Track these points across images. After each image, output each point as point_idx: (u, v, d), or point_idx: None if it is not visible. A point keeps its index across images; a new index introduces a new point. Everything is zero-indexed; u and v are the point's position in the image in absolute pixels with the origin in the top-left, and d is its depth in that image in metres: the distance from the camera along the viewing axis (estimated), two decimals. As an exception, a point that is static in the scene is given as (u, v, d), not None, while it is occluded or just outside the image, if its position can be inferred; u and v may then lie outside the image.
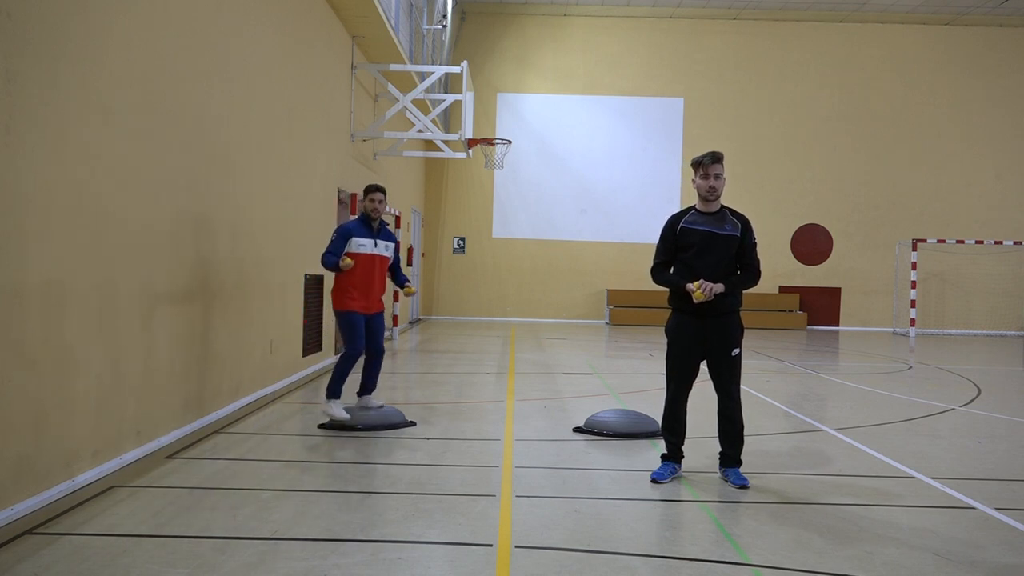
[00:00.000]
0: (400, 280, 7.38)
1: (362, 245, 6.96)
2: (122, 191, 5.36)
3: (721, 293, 5.27)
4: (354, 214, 12.12)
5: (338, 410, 6.85)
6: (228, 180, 7.36)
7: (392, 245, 7.23)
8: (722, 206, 5.50)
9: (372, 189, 7.05)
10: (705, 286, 5.21)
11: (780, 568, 3.89)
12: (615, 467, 5.81)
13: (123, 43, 5.34)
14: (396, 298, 15.84)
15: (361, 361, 7.22)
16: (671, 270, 5.54)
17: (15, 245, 4.26)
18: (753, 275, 5.47)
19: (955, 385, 10.98)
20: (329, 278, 10.85)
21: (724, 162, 5.43)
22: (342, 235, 6.96)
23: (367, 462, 5.90)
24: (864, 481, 5.62)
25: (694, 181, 5.48)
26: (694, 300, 5.27)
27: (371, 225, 7.06)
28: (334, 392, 6.92)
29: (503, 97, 22.92)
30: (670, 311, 5.61)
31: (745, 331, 5.61)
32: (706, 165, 5.39)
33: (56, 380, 4.66)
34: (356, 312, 6.97)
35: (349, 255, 6.89)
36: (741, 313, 5.56)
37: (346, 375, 6.97)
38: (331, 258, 6.86)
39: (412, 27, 16.51)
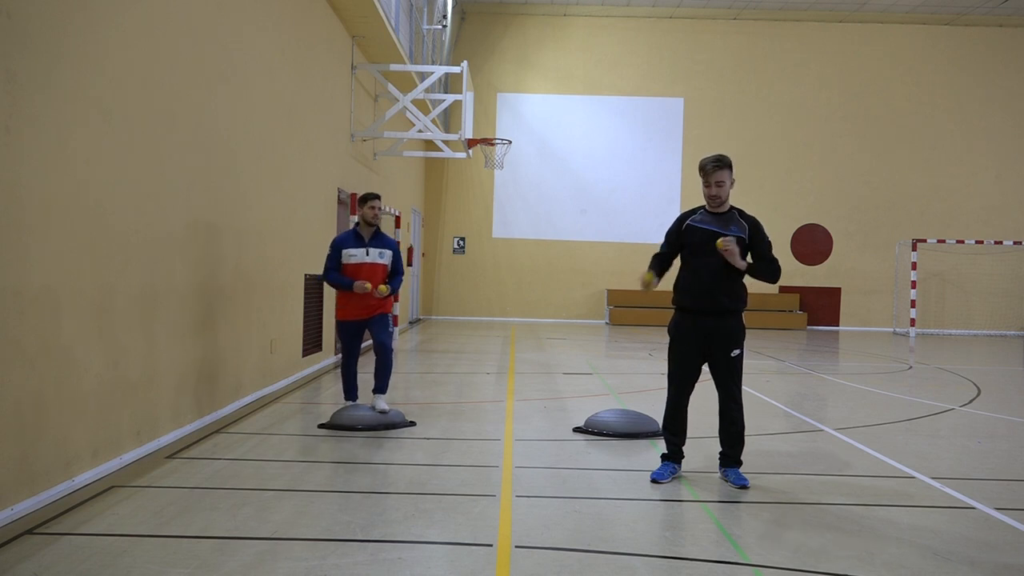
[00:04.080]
0: (390, 283, 7.31)
1: (352, 256, 7.19)
2: (122, 191, 5.36)
3: (743, 269, 5.31)
4: (353, 214, 12.13)
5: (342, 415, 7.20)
6: (228, 180, 7.36)
7: (388, 252, 7.30)
8: (731, 207, 5.47)
9: (371, 197, 7.23)
10: (729, 242, 5.18)
11: (780, 568, 3.89)
12: (615, 467, 5.81)
13: (123, 43, 5.34)
14: (396, 298, 15.80)
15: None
16: (671, 264, 5.66)
17: (15, 245, 4.26)
18: (773, 267, 5.41)
19: (955, 385, 10.98)
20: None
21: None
22: (335, 248, 7.25)
23: (367, 462, 5.91)
24: (864, 481, 5.62)
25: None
26: (716, 246, 5.23)
27: (362, 234, 7.20)
28: (345, 396, 7.50)
29: (503, 97, 22.91)
30: (672, 310, 5.63)
31: (746, 332, 5.60)
32: (708, 173, 5.35)
33: (56, 380, 4.66)
34: (343, 321, 7.34)
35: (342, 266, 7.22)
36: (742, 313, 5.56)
37: (345, 378, 7.49)
38: (331, 275, 7.22)
39: (412, 27, 16.50)
